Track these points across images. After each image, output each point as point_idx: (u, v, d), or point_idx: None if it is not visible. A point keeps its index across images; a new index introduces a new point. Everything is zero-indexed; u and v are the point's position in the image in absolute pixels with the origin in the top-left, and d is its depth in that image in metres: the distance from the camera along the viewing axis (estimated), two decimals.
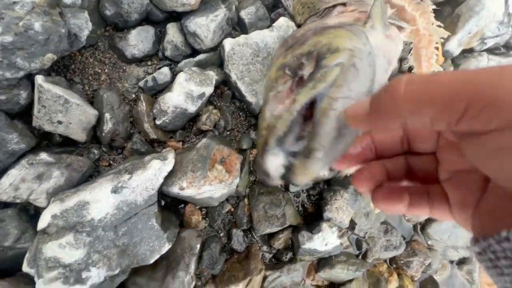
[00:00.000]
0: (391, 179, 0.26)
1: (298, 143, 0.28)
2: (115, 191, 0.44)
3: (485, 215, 0.19)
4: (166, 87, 0.59)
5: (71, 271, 0.41)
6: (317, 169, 0.26)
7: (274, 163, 0.27)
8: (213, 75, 0.58)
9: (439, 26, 0.64)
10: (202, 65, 0.60)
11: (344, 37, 0.31)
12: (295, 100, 0.28)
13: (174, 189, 0.51)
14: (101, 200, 0.44)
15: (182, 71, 0.56)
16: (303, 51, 0.33)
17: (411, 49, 0.70)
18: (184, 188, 0.51)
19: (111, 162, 0.56)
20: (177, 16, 0.60)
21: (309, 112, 0.27)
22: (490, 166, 0.16)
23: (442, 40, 0.67)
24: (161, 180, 0.48)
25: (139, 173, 0.46)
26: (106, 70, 0.56)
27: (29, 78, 0.46)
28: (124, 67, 0.58)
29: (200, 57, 0.60)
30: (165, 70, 0.58)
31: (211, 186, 0.53)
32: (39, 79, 0.44)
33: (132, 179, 0.45)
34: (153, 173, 0.47)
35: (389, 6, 0.53)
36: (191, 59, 0.60)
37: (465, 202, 0.20)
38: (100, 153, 0.55)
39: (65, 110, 0.46)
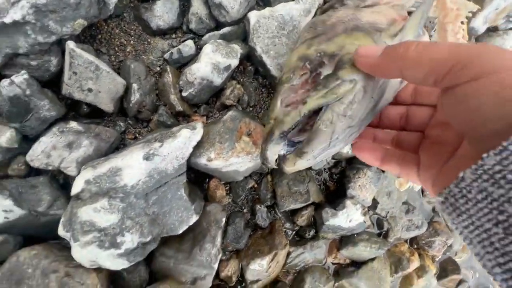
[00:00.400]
0: (379, 142, 0.33)
1: (300, 134, 0.31)
2: (147, 158, 0.44)
3: (448, 172, 0.23)
4: (191, 60, 0.58)
5: (106, 235, 0.41)
6: (303, 166, 0.31)
7: (274, 151, 0.31)
8: (237, 48, 0.57)
9: None
10: (226, 39, 0.59)
11: None
12: (306, 102, 0.30)
13: (202, 160, 0.51)
14: (133, 166, 0.43)
15: (206, 44, 0.56)
16: (327, 49, 0.33)
17: (434, 25, 0.68)
18: (212, 159, 0.51)
19: (137, 135, 0.56)
20: None
21: (316, 114, 0.30)
22: (452, 113, 0.20)
23: (471, 15, 0.65)
24: (190, 150, 0.48)
25: (170, 141, 0.46)
26: (131, 42, 0.55)
27: (59, 44, 0.46)
28: (149, 40, 0.57)
29: (225, 30, 0.59)
30: (190, 43, 0.57)
31: (238, 158, 0.52)
32: (71, 44, 0.43)
33: (163, 146, 0.45)
34: (183, 141, 0.47)
35: None
36: (215, 32, 0.59)
37: (433, 164, 0.26)
38: (126, 126, 0.55)
39: (96, 78, 0.46)
